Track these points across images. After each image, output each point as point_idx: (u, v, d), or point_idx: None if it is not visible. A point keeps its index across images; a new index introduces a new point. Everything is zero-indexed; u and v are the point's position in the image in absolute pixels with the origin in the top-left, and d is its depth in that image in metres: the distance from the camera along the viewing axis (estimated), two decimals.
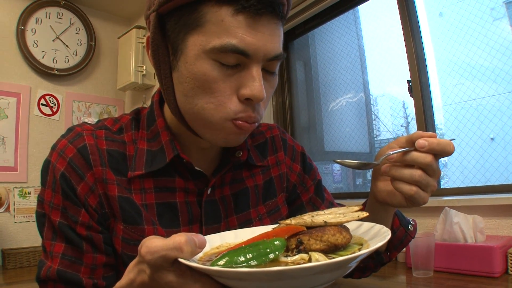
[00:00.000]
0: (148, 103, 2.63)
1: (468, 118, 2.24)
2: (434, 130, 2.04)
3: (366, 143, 2.89)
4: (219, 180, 0.82)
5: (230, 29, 0.62)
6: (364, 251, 0.45)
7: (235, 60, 0.64)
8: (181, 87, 0.69)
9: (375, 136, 2.99)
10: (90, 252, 0.73)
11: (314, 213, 0.61)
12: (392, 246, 0.89)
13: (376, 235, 0.55)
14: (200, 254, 0.54)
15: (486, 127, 2.17)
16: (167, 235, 0.74)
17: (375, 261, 0.91)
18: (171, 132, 0.78)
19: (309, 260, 0.49)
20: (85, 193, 0.72)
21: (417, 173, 0.65)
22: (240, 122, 0.68)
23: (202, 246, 0.50)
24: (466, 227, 1.52)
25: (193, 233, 0.50)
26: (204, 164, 0.81)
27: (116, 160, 0.76)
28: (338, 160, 0.68)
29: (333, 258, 0.48)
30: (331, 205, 0.98)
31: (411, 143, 0.66)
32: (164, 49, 0.70)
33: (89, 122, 0.84)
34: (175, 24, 0.67)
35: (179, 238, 0.48)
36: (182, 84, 0.68)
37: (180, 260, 0.48)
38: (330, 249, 0.52)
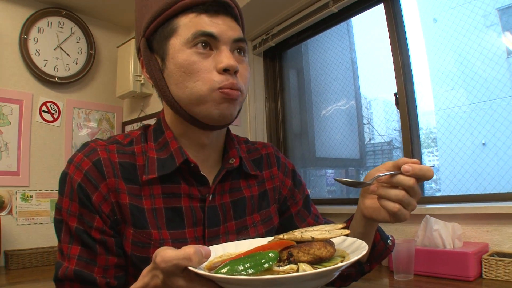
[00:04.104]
0: (146, 110, 2.72)
1: (461, 124, 2.31)
2: (418, 141, 2.14)
3: (356, 150, 2.98)
4: (219, 188, 0.92)
5: (197, 24, 0.82)
6: (342, 263, 0.54)
7: (206, 41, 0.82)
8: (172, 79, 0.84)
9: (368, 139, 3.07)
10: (103, 254, 0.81)
11: (304, 229, 0.69)
12: (373, 258, 1.00)
13: (357, 249, 0.64)
14: (206, 263, 0.62)
15: (477, 133, 2.24)
16: (172, 237, 0.84)
17: (357, 270, 1.01)
18: (178, 142, 0.90)
19: (297, 270, 0.57)
20: (99, 201, 0.81)
21: (401, 193, 0.75)
22: (225, 89, 0.82)
23: (207, 256, 0.59)
24: (445, 234, 1.63)
25: (200, 245, 0.58)
26: (205, 172, 0.91)
27: (128, 171, 0.86)
28: (337, 179, 0.78)
29: (318, 268, 0.56)
30: (317, 217, 1.09)
31: (397, 168, 0.76)
32: (154, 61, 0.87)
33: (100, 138, 0.95)
34: (158, 38, 0.86)
35: (189, 250, 0.56)
36: (172, 77, 0.84)
37: (190, 268, 0.56)
38: (316, 261, 0.60)
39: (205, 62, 0.82)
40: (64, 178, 0.84)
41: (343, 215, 2.28)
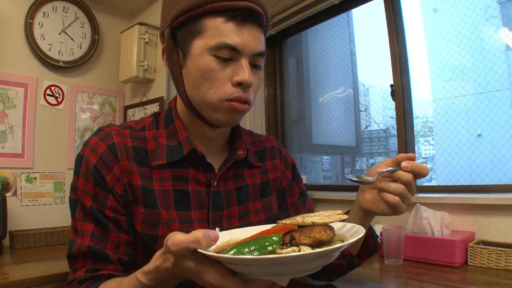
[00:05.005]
0: (148, 95, 2.76)
1: (458, 114, 2.34)
2: (412, 132, 2.20)
3: (353, 137, 3.05)
4: (224, 175, 1.00)
5: (223, 32, 0.85)
6: (339, 245, 0.59)
7: (228, 55, 0.86)
8: (189, 79, 0.89)
9: (365, 127, 3.12)
10: (115, 231, 0.89)
11: (305, 215, 0.73)
12: (363, 253, 1.08)
13: (355, 233, 0.70)
14: (213, 247, 0.67)
15: (473, 123, 2.28)
16: (180, 217, 0.92)
17: (348, 262, 1.09)
18: (187, 131, 0.97)
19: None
20: (113, 182, 0.88)
21: (400, 186, 0.84)
22: (234, 102, 0.87)
23: (215, 239, 0.64)
24: (434, 222, 1.69)
25: (209, 230, 0.64)
26: (211, 161, 0.98)
27: (140, 154, 0.93)
28: (348, 177, 0.88)
29: None
30: (310, 212, 1.17)
31: (396, 163, 0.85)
32: (176, 54, 0.92)
33: (114, 123, 1.01)
34: (183, 33, 0.89)
35: (198, 234, 0.62)
36: (190, 77, 0.89)
37: (199, 250, 0.62)
38: (316, 244, 0.64)
39: (223, 71, 0.86)
40: (80, 160, 0.91)
41: (338, 201, 2.36)
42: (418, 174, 0.84)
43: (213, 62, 0.85)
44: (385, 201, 0.86)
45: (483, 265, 1.53)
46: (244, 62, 0.86)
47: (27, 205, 2.56)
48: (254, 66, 0.91)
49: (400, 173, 0.83)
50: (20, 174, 2.56)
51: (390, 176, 0.85)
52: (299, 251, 0.61)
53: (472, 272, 1.50)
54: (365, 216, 0.98)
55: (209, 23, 0.85)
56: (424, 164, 0.84)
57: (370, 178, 0.86)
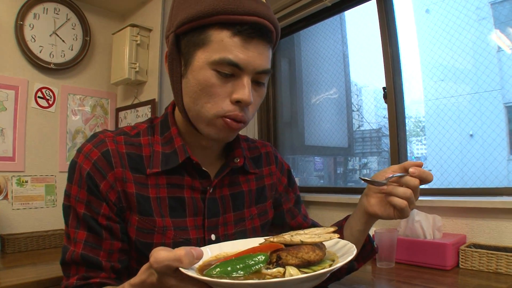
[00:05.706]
0: (140, 97, 2.75)
1: (449, 115, 2.35)
2: (404, 135, 2.21)
3: (345, 139, 3.05)
4: (219, 182, 0.99)
5: (228, 47, 0.81)
6: (324, 270, 0.56)
7: (230, 71, 0.82)
8: (187, 90, 0.87)
9: (358, 126, 3.13)
10: (108, 239, 0.87)
11: (294, 232, 0.70)
12: (361, 258, 1.09)
13: (346, 252, 0.66)
14: (200, 263, 0.66)
15: (464, 124, 2.29)
16: (174, 224, 0.91)
17: (348, 266, 1.09)
18: (183, 139, 0.96)
19: (284, 273, 0.59)
20: (106, 189, 0.87)
21: (408, 191, 0.85)
22: (228, 120, 0.85)
23: (199, 257, 0.62)
24: (426, 225, 1.70)
25: (193, 247, 0.62)
26: (207, 167, 0.97)
27: (135, 161, 0.92)
28: (362, 178, 0.92)
29: (305, 272, 0.59)
30: (305, 217, 1.18)
31: (403, 169, 0.87)
32: (178, 61, 0.89)
33: (109, 129, 1.00)
34: (187, 42, 0.86)
35: (180, 252, 0.60)
36: (189, 88, 0.86)
37: (180, 269, 0.60)
38: (304, 264, 0.61)
39: (223, 87, 0.83)
40: (73, 167, 0.90)
41: (330, 203, 2.36)
42: (424, 180, 0.86)
43: (214, 77, 0.82)
44: (393, 205, 0.88)
45: (474, 268, 1.54)
46: (246, 80, 0.83)
47: (18, 209, 2.55)
48: (256, 83, 0.87)
49: (408, 178, 0.85)
50: (11, 178, 2.54)
51: (397, 181, 0.87)
52: (285, 271, 0.60)
53: (464, 275, 1.51)
54: (369, 220, 0.99)
55: (214, 35, 0.81)
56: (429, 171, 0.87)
57: (382, 181, 0.88)
